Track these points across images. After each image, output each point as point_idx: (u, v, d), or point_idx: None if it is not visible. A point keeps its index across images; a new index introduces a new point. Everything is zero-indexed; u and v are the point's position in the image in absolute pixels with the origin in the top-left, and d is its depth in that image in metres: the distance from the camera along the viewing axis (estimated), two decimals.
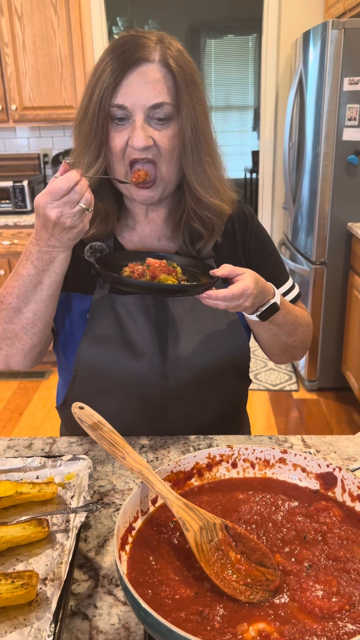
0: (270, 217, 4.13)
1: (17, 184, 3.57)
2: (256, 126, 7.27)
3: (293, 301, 1.25)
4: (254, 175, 6.99)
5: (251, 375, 3.69)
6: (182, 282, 1.03)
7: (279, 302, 1.07)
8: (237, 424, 1.31)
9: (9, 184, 3.57)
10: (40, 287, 1.02)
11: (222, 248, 1.18)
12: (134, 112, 1.00)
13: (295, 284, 1.29)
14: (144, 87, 0.99)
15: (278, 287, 1.22)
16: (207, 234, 1.14)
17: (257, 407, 3.23)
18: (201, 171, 1.07)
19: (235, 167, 7.34)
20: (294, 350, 1.24)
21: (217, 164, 1.11)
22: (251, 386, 3.46)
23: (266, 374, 3.64)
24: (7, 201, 3.60)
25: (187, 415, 1.16)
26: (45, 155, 4.02)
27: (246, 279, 0.99)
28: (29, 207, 3.61)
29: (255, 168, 6.73)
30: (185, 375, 1.12)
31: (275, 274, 1.23)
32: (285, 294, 1.24)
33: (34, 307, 1.04)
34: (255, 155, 6.73)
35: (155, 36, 1.03)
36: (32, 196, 3.65)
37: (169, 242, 1.18)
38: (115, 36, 4.66)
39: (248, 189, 7.21)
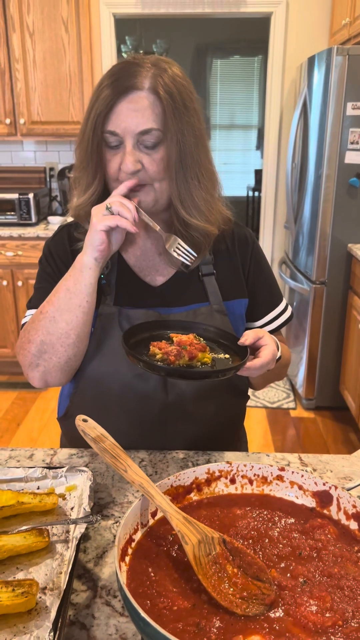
0: (272, 236, 4.18)
1: (23, 196, 3.61)
2: (260, 145, 7.35)
3: (283, 324, 1.30)
4: (256, 193, 7.06)
5: (249, 393, 3.69)
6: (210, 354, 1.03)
7: (279, 353, 1.10)
8: (235, 439, 1.33)
9: (14, 196, 3.62)
10: (70, 296, 1.08)
11: (221, 266, 1.22)
12: (125, 138, 1.05)
13: (289, 305, 1.32)
14: (134, 115, 1.03)
15: (272, 309, 1.27)
16: (196, 253, 1.17)
17: (255, 424, 3.24)
18: (186, 194, 1.10)
19: (238, 185, 7.41)
20: (274, 380, 1.31)
21: (204, 186, 1.12)
22: (249, 403, 3.47)
23: (264, 391, 3.65)
24: (13, 213, 3.64)
25: (185, 430, 1.18)
26: (51, 169, 4.07)
27: (269, 343, 1.03)
28: (33, 219, 3.65)
29: (257, 186, 6.80)
30: (185, 390, 1.14)
31: (269, 296, 1.28)
32: (277, 316, 1.29)
33: (67, 317, 1.09)
34: (258, 173, 6.80)
35: (150, 62, 1.06)
36: (37, 209, 3.70)
37: (169, 255, 1.21)
38: (124, 54, 4.74)
39: (250, 206, 7.28)
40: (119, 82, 1.03)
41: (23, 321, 1.22)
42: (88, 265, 1.06)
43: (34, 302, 1.20)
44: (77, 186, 1.15)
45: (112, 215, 1.03)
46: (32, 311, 1.20)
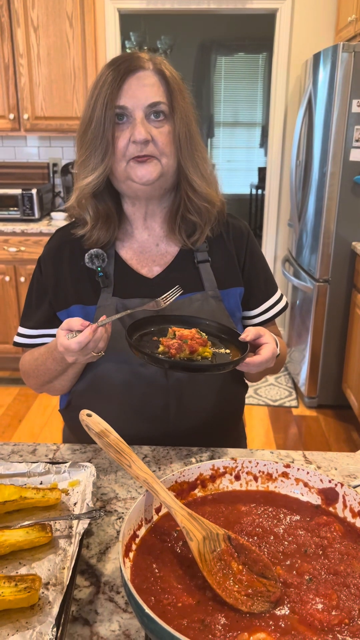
0: (275, 234, 4.16)
1: (26, 192, 3.60)
2: (263, 143, 7.33)
3: (278, 314, 1.32)
4: (260, 191, 7.04)
5: (251, 390, 3.69)
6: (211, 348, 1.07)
7: (278, 351, 1.13)
8: (235, 434, 1.33)
9: (17, 191, 3.61)
10: (51, 375, 1.19)
11: (216, 253, 1.24)
12: (134, 111, 1.09)
13: (283, 295, 1.35)
14: (142, 89, 1.09)
15: (267, 298, 1.30)
16: (201, 224, 1.21)
17: (257, 422, 3.24)
18: (193, 162, 1.17)
19: (241, 183, 7.39)
20: (269, 373, 1.32)
21: (207, 162, 1.21)
22: (251, 401, 3.48)
23: (266, 389, 3.65)
24: (16, 208, 3.64)
25: (188, 416, 1.18)
26: (54, 165, 4.06)
27: (270, 341, 1.06)
28: (36, 215, 3.64)
29: (261, 184, 6.78)
30: (184, 375, 1.14)
31: (265, 287, 1.30)
32: (272, 306, 1.31)
33: (49, 386, 1.24)
34: (262, 171, 6.78)
35: (148, 55, 1.14)
36: (40, 204, 3.69)
37: (167, 245, 1.23)
38: (128, 50, 4.75)
39: (254, 204, 7.26)
40: (123, 64, 1.09)
41: (16, 339, 1.28)
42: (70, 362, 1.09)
43: (25, 321, 1.27)
44: (82, 170, 1.15)
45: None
46: (24, 330, 1.26)
